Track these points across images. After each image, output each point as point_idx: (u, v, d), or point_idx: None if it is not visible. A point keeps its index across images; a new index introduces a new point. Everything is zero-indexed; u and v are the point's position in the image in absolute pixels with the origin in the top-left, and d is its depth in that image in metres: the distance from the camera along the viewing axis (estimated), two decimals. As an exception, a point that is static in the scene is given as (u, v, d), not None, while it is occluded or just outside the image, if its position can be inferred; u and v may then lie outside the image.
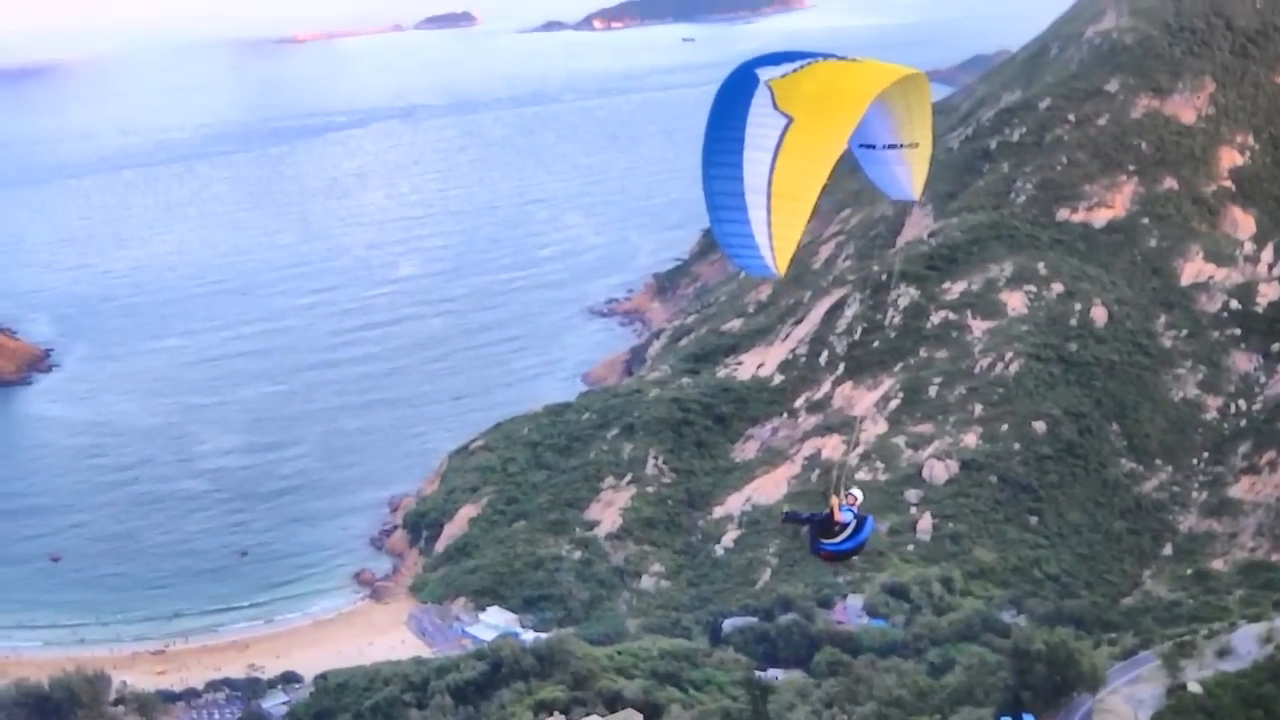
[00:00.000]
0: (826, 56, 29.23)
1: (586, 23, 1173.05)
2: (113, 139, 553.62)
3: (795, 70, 28.11)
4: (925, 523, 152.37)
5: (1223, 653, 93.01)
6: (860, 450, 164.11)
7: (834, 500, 34.31)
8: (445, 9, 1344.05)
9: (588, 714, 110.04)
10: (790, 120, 26.57)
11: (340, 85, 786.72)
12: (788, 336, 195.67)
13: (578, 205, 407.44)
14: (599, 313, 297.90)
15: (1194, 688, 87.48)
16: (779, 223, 26.38)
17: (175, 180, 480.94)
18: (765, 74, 27.99)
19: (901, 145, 31.03)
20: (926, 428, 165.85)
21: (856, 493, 34.92)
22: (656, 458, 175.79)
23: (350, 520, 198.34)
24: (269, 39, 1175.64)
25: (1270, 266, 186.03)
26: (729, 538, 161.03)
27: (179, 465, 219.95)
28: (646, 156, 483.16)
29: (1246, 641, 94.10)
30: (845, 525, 33.90)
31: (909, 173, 32.07)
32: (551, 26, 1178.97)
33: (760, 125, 26.59)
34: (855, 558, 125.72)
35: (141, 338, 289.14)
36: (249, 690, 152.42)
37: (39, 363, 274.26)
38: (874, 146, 31.52)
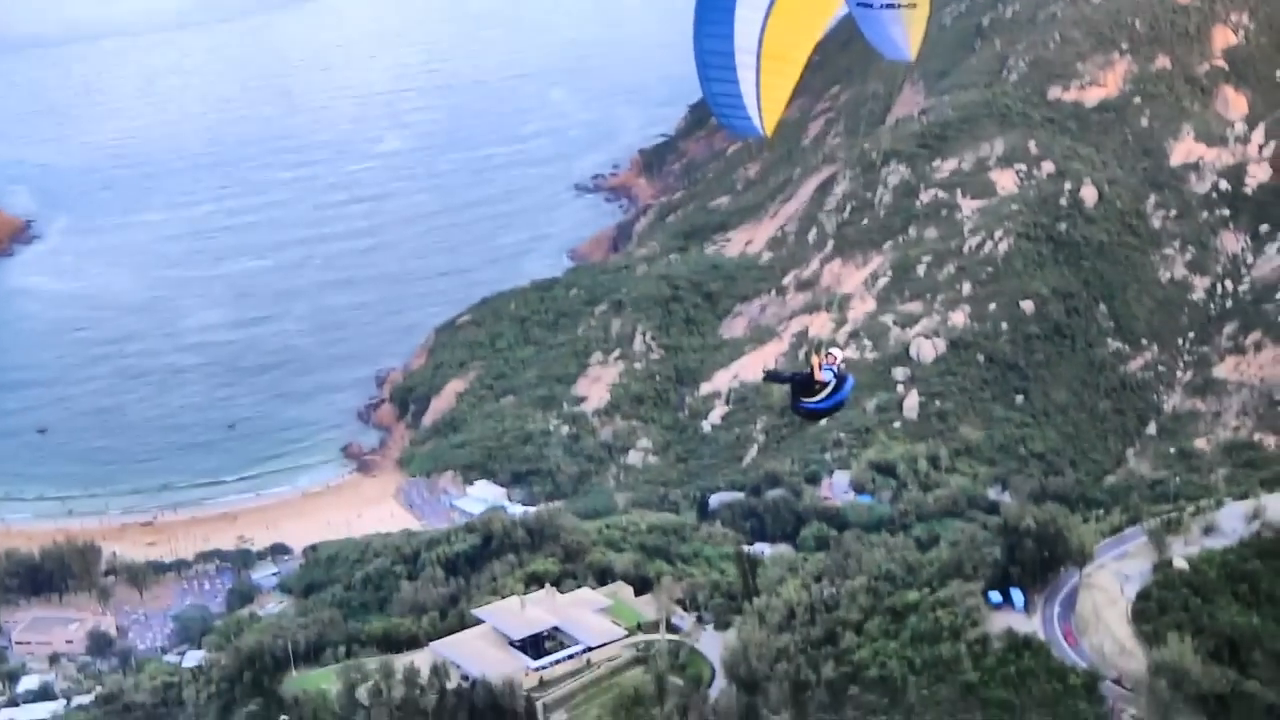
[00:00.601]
0: None
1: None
2: (89, 6, 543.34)
3: None
4: (912, 400, 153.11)
5: (1209, 529, 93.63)
6: (848, 328, 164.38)
7: (815, 359, 34.46)
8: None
9: (578, 586, 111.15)
10: None
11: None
12: (776, 214, 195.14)
13: (563, 80, 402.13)
14: (585, 189, 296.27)
15: (1180, 563, 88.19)
16: (768, 84, 25.67)
17: (154, 50, 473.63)
18: None
19: (899, 4, 30.29)
20: (915, 306, 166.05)
21: (836, 351, 34.87)
22: (645, 334, 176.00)
23: (337, 394, 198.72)
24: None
25: (1261, 148, 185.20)
26: (716, 414, 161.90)
27: (164, 339, 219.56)
28: (633, 31, 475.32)
29: (1233, 519, 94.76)
30: (825, 384, 34.11)
31: (905, 32, 30.72)
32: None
33: None
34: (835, 424, 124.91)
35: (124, 210, 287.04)
36: (239, 561, 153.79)
37: (20, 234, 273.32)
38: (870, 5, 31.00)
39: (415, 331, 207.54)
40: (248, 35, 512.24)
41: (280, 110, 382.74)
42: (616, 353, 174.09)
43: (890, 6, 29.93)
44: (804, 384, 34.08)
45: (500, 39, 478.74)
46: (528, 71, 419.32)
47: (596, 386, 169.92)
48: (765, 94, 25.38)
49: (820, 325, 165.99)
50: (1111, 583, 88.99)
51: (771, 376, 39.59)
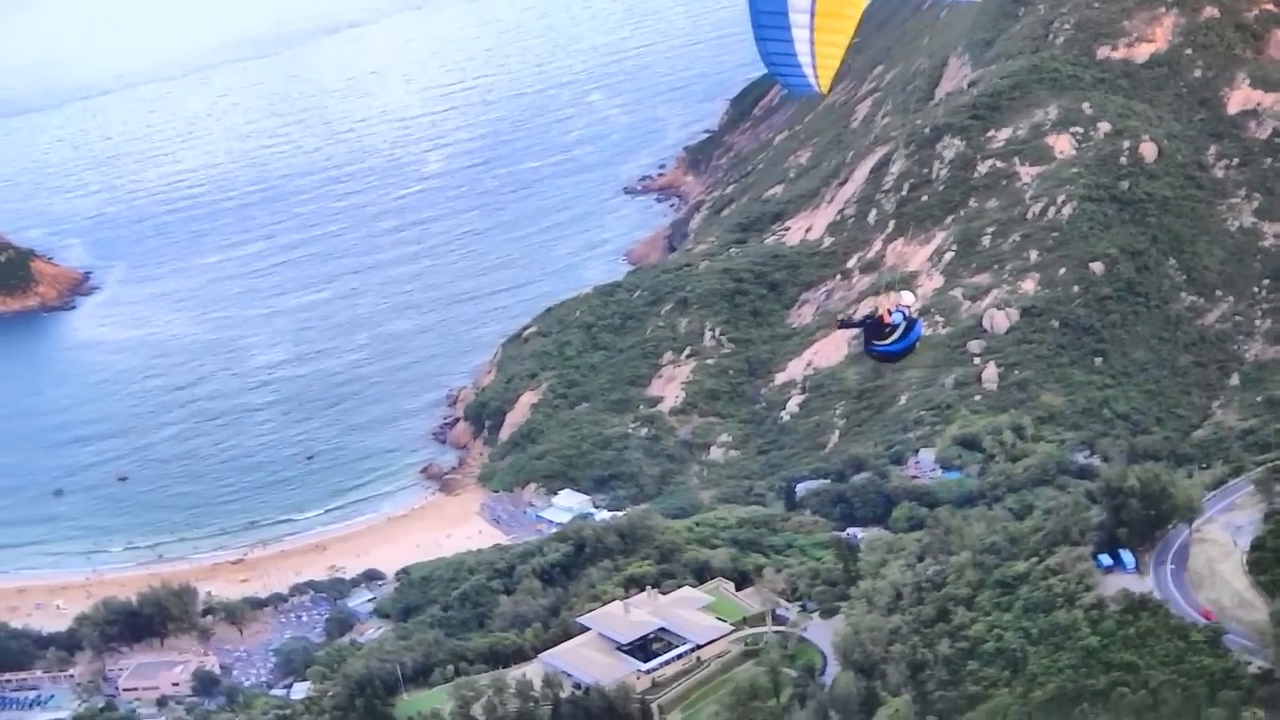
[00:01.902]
0: None
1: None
2: (122, 57, 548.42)
3: None
4: (990, 372, 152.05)
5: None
6: (918, 305, 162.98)
7: (883, 303, 35.32)
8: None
9: (678, 585, 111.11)
10: None
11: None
12: (833, 198, 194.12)
13: (600, 85, 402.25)
14: (634, 191, 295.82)
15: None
16: (822, 40, 26.34)
17: (191, 94, 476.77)
18: None
19: None
20: (983, 278, 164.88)
21: (906, 296, 35.79)
22: (713, 329, 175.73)
23: (411, 418, 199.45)
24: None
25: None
26: (794, 403, 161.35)
27: (233, 379, 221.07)
28: (664, 30, 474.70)
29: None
30: (895, 327, 35.17)
31: None
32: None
33: None
34: (916, 403, 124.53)
35: (178, 255, 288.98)
36: (333, 590, 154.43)
37: (79, 287, 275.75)
38: None
39: (481, 348, 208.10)
40: (282, 69, 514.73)
41: (322, 141, 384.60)
42: (686, 350, 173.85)
43: None
44: (874, 328, 35.25)
45: (532, 50, 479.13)
46: (563, 80, 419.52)
47: (670, 386, 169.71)
48: (820, 50, 26.35)
49: (891, 305, 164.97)
50: (1223, 535, 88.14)
51: (844, 324, 40.74)
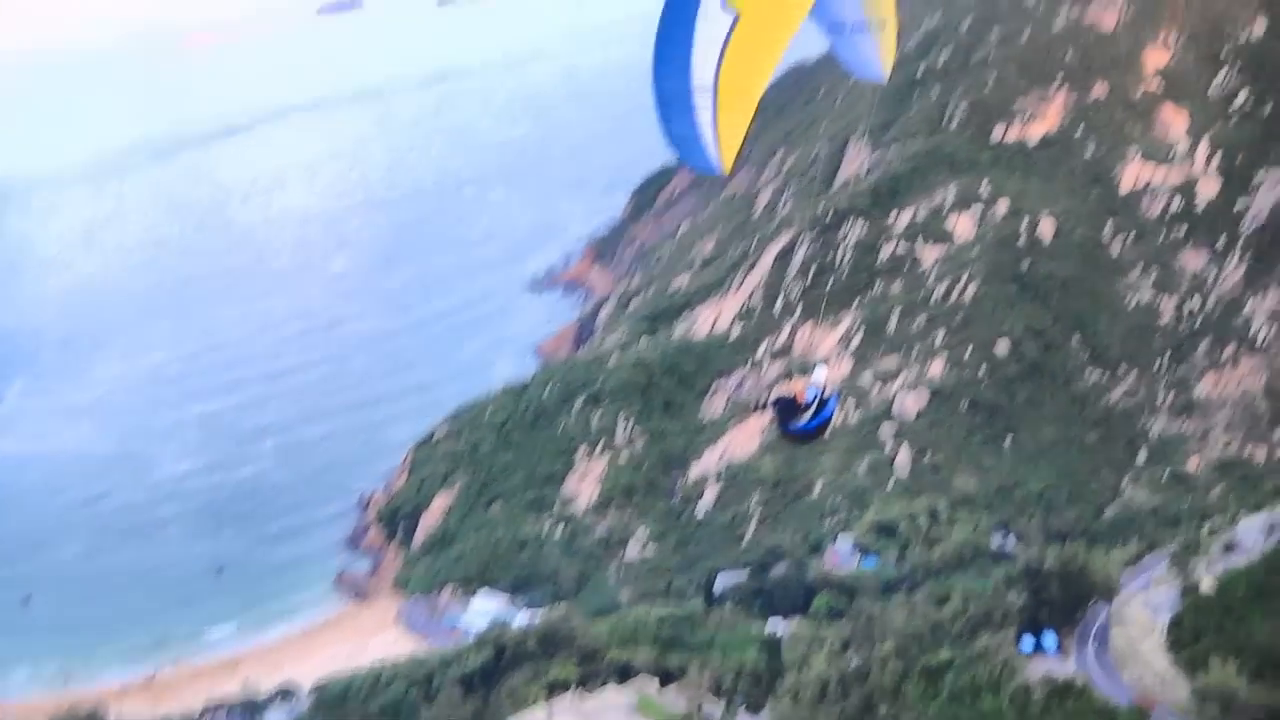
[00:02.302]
0: None
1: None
2: (12, 164, 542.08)
3: None
4: (903, 456, 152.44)
5: (1229, 547, 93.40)
6: (829, 391, 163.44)
7: (795, 383, 35.58)
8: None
9: (602, 686, 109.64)
10: (738, 17, 26.79)
11: (242, 84, 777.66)
12: (740, 286, 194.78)
13: (501, 181, 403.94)
14: (540, 286, 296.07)
15: (1207, 586, 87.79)
16: (725, 120, 26.98)
17: (88, 201, 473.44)
18: None
19: (869, 24, 31.88)
20: (892, 361, 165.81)
21: (818, 372, 36.07)
22: (626, 423, 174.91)
23: (322, 525, 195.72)
24: (160, 46, 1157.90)
25: (1207, 161, 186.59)
26: (709, 495, 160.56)
27: (140, 492, 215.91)
28: (563, 123, 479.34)
29: (1250, 534, 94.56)
30: (809, 405, 35.39)
31: (878, 52, 33.17)
32: (446, 2, 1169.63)
33: (709, 24, 26.76)
34: (830, 490, 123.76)
35: (80, 366, 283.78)
36: (248, 708, 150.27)
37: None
38: (843, 29, 32.80)
39: (392, 451, 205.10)
40: (180, 173, 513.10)
41: (224, 244, 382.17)
42: (600, 445, 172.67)
43: (860, 27, 31.49)
44: (789, 408, 35.46)
45: (432, 146, 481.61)
46: (465, 177, 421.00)
47: (585, 482, 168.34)
48: (723, 131, 27.06)
49: (801, 392, 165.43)
50: (1142, 613, 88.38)
51: (758, 407, 40.85)
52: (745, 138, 27.55)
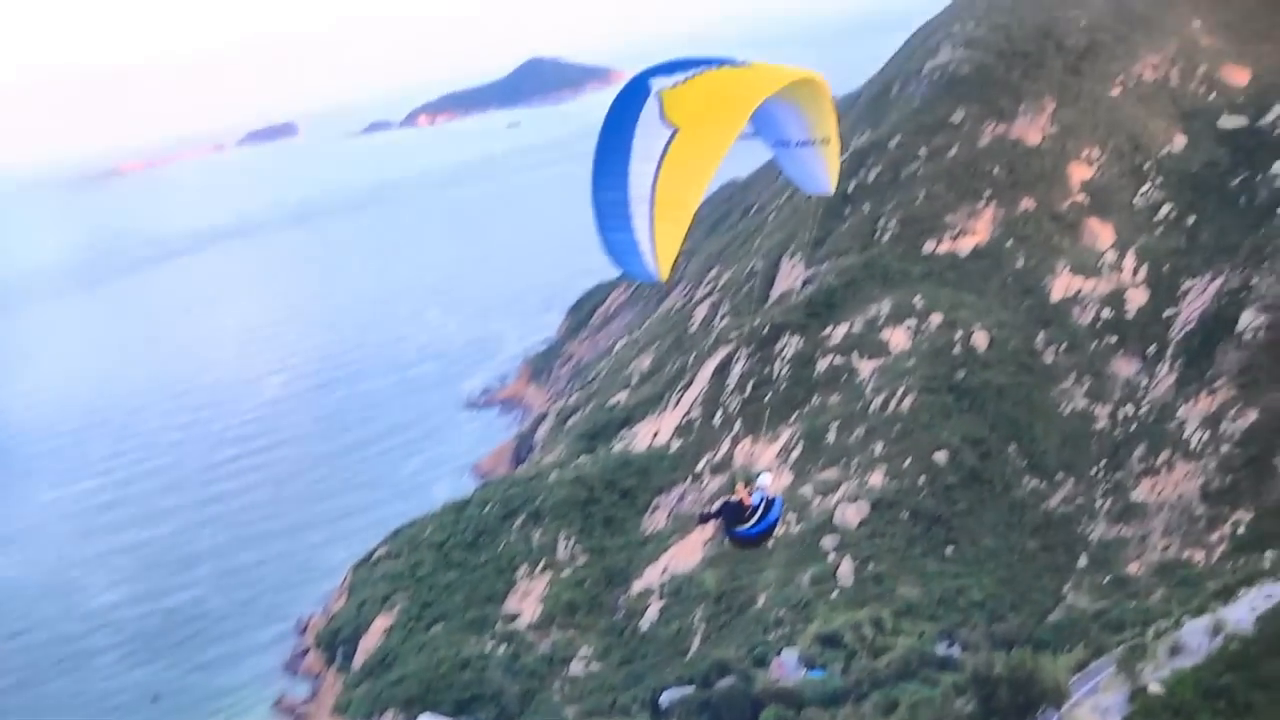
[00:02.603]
0: (722, 63, 30.60)
1: (410, 120, 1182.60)
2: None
3: (687, 79, 29.39)
4: (846, 567, 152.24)
5: (1175, 650, 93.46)
6: (777, 490, 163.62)
7: (740, 487, 36.24)
8: (265, 123, 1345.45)
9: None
10: (676, 131, 28.13)
11: (173, 211, 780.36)
12: (678, 402, 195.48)
13: (435, 300, 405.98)
14: (476, 405, 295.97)
15: (1155, 689, 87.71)
16: (661, 230, 28.08)
17: (15, 329, 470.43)
18: (658, 84, 29.38)
19: (814, 141, 33.47)
20: (832, 473, 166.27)
21: (764, 477, 36.82)
22: (568, 540, 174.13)
23: (260, 651, 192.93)
24: (91, 174, 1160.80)
25: (1134, 272, 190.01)
26: (653, 610, 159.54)
27: (73, 623, 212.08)
28: (496, 243, 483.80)
29: (1196, 635, 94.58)
30: (755, 509, 36.04)
31: (824, 168, 34.97)
32: (376, 128, 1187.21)
33: (648, 137, 28.10)
34: (774, 602, 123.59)
35: (10, 495, 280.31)
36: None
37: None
38: (788, 144, 34.63)
39: (330, 574, 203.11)
40: (111, 300, 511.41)
41: (157, 369, 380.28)
42: (542, 563, 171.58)
43: (806, 144, 33.23)
44: (735, 513, 36.21)
45: (365, 267, 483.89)
46: (399, 297, 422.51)
47: (528, 601, 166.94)
48: (659, 240, 28.22)
49: (747, 490, 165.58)
50: (1092, 718, 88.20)
51: (705, 517, 41.26)
52: (681, 249, 28.52)
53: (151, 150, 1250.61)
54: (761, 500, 38.04)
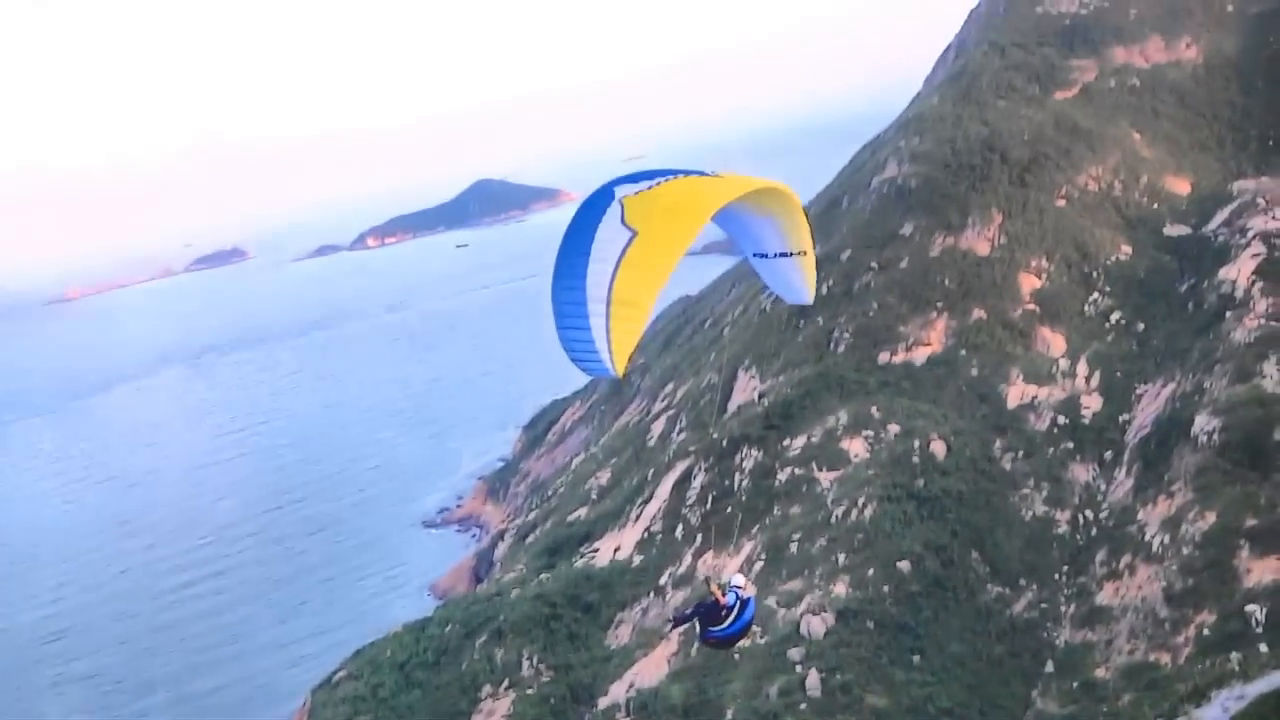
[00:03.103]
0: (688, 173, 32.22)
1: (360, 242, 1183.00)
2: None
3: (650, 187, 30.98)
4: (813, 679, 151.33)
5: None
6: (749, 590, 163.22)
7: (714, 588, 37.04)
8: (214, 248, 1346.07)
9: None
10: (635, 234, 29.47)
11: (122, 337, 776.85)
12: (639, 516, 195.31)
13: (389, 420, 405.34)
14: (433, 524, 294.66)
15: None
16: (617, 328, 29.26)
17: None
18: (621, 191, 30.68)
19: (792, 253, 35.06)
20: (795, 584, 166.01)
21: (738, 579, 37.63)
22: (531, 658, 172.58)
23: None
24: (37, 301, 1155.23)
25: (1087, 379, 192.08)
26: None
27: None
28: (448, 363, 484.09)
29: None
30: (730, 609, 36.72)
31: (802, 278, 36.62)
32: (324, 251, 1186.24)
33: (607, 240, 29.49)
34: (743, 715, 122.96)
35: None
36: None
37: None
38: (766, 255, 36.33)
39: (289, 699, 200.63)
40: (57, 429, 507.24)
41: (107, 497, 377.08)
42: (505, 682, 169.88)
43: (784, 255, 34.95)
44: (710, 613, 36.88)
45: (318, 391, 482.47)
46: (352, 419, 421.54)
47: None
48: (615, 337, 29.35)
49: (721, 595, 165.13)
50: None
51: (678, 619, 41.94)
52: (635, 353, 30.77)
53: (99, 274, 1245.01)
54: (736, 601, 38.59)
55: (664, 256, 29.63)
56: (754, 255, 36.51)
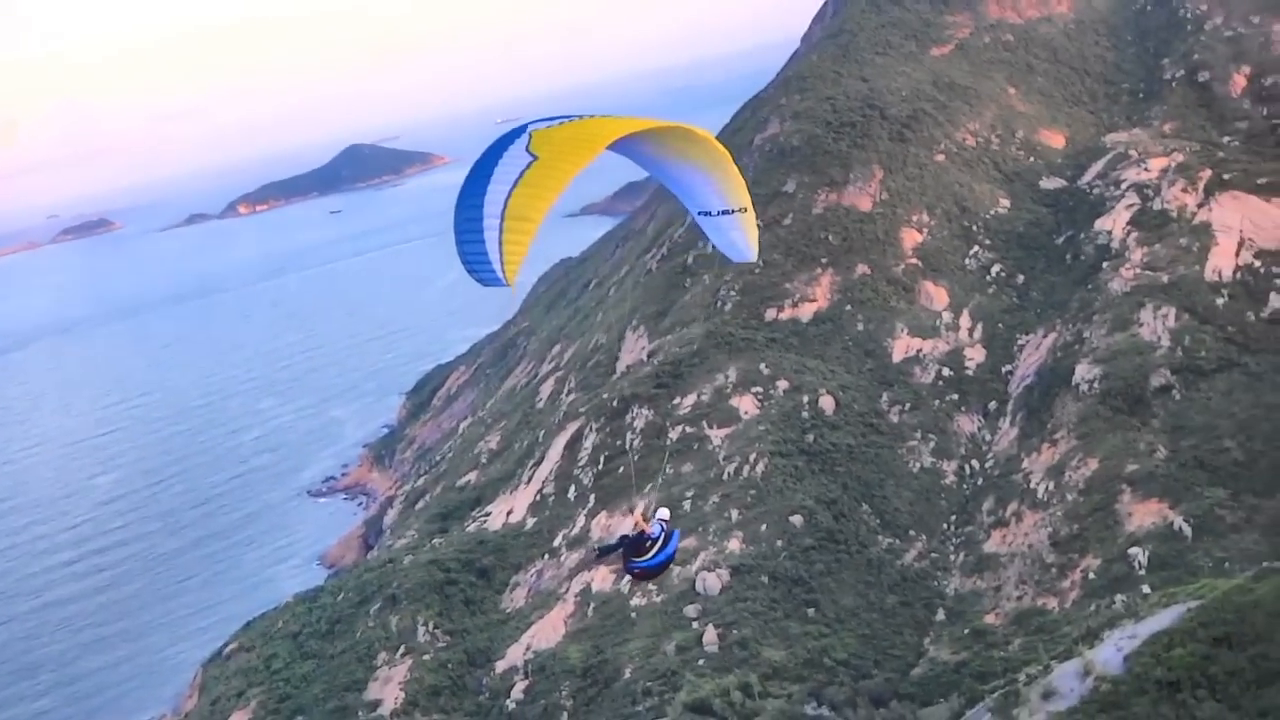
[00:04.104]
0: (606, 115, 33.95)
1: (231, 210, 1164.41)
2: None
3: (561, 123, 32.83)
4: (710, 635, 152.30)
5: (1048, 694, 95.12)
6: (630, 578, 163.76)
7: (639, 520, 38.01)
8: (80, 219, 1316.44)
9: None
10: (535, 159, 31.96)
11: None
12: (531, 479, 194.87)
13: (269, 391, 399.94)
14: (319, 494, 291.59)
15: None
16: (509, 240, 31.45)
17: None
18: (534, 126, 33.06)
19: (733, 210, 36.19)
20: (690, 542, 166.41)
21: (663, 511, 38.73)
22: (426, 624, 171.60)
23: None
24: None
25: (970, 331, 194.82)
26: (518, 689, 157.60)
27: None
28: (328, 331, 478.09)
29: (1067, 679, 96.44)
30: (654, 539, 37.86)
31: (745, 236, 37.94)
32: (195, 220, 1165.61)
33: (509, 165, 31.86)
34: (641, 674, 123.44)
35: None
36: None
37: None
38: (710, 213, 38.41)
39: (179, 672, 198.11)
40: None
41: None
42: (401, 649, 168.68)
43: (727, 213, 36.18)
44: (634, 544, 38.00)
45: (194, 363, 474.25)
46: (232, 390, 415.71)
47: (389, 687, 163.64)
48: (506, 249, 31.52)
49: (602, 579, 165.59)
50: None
51: (603, 550, 43.19)
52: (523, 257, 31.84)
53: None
54: (661, 532, 39.59)
55: (556, 177, 31.81)
56: (699, 214, 38.18)
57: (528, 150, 32.18)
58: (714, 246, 41.89)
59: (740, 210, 37.74)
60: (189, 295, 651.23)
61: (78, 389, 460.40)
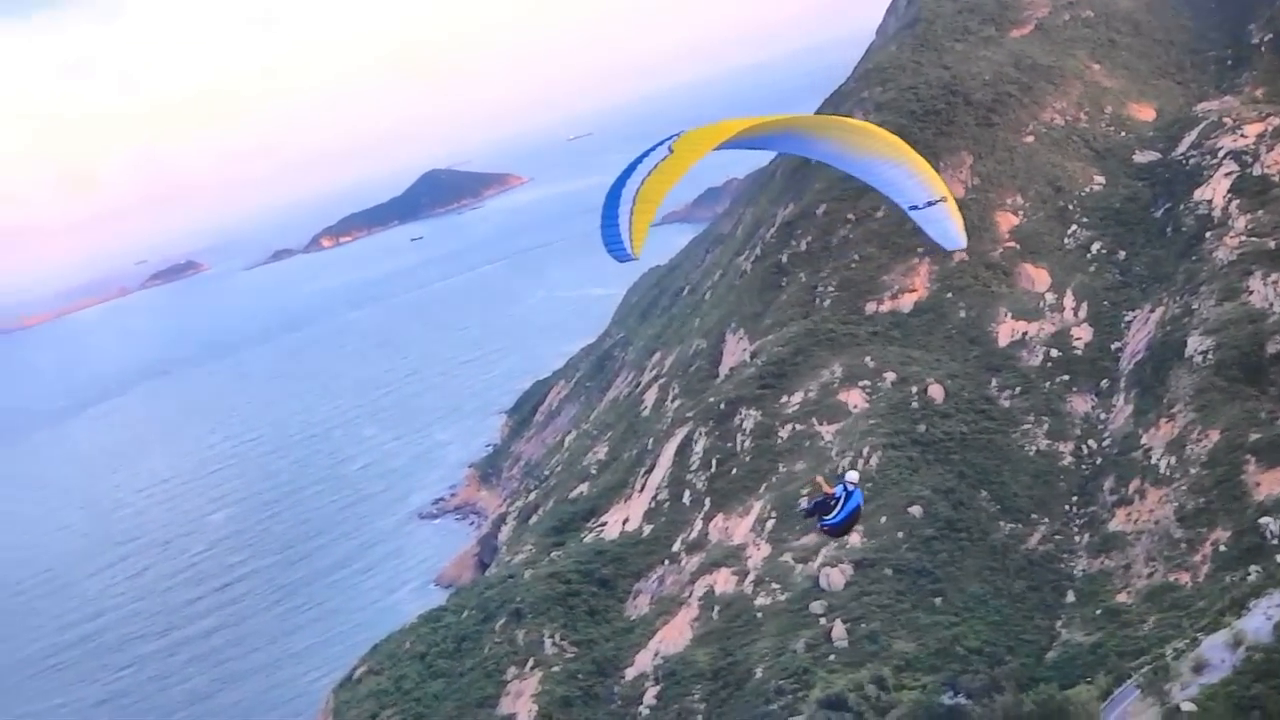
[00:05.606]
0: (746, 117, 36.98)
1: (314, 244, 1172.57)
2: None
3: (709, 125, 36.06)
4: (839, 630, 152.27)
5: (1199, 667, 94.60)
6: (753, 578, 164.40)
7: (823, 484, 41.40)
8: (167, 263, 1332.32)
9: None
10: (671, 152, 35.17)
11: (87, 358, 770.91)
12: (644, 486, 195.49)
13: (371, 419, 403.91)
14: (429, 516, 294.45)
15: (1188, 707, 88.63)
16: (636, 218, 34.72)
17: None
18: (688, 129, 36.13)
19: (935, 201, 38.11)
20: (809, 539, 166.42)
21: (851, 474, 42.06)
22: (552, 636, 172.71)
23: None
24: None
25: (1075, 311, 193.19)
26: (650, 696, 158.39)
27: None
28: (422, 356, 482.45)
29: (1217, 650, 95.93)
30: (838, 499, 41.21)
31: (953, 224, 40.03)
32: (280, 255, 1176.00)
33: (652, 159, 35.06)
34: (772, 673, 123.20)
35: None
36: None
37: None
38: (919, 206, 41.36)
39: (310, 699, 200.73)
40: (32, 454, 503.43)
41: (93, 520, 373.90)
42: (530, 662, 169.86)
43: (932, 204, 38.04)
44: (822, 505, 41.64)
45: (294, 395, 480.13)
46: (334, 419, 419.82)
47: (521, 701, 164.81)
48: (634, 225, 34.67)
49: (724, 581, 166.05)
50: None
51: (806, 512, 46.19)
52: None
53: (54, 300, 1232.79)
54: (843, 491, 43.31)
55: (678, 164, 35.02)
56: (909, 209, 41.65)
57: (669, 147, 35.28)
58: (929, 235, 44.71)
59: (942, 199, 40.26)
60: (282, 330, 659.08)
61: (182, 430, 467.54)
